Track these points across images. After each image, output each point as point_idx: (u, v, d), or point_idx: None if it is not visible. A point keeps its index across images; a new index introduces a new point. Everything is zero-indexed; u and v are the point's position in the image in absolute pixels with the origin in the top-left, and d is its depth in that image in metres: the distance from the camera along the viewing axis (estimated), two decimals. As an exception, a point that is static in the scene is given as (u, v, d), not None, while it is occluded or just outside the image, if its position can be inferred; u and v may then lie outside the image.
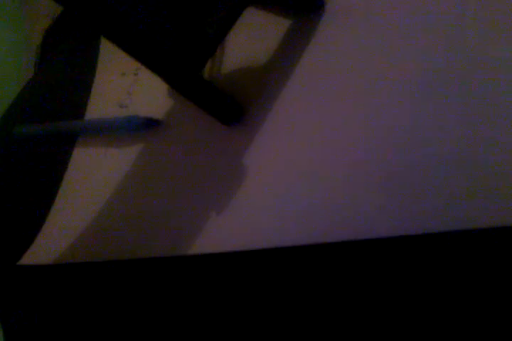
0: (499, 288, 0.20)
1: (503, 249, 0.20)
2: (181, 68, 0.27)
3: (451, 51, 0.25)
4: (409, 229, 0.22)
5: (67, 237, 0.33)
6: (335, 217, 0.24)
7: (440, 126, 0.24)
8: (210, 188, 0.29)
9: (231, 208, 0.28)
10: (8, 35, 0.63)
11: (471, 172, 0.22)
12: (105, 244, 0.31)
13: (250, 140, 0.29)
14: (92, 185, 0.35)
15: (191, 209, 0.29)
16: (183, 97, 0.29)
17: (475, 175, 0.22)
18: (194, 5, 0.26)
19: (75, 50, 0.47)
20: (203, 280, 0.27)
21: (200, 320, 0.26)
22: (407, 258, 0.22)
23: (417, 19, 0.27)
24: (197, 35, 0.26)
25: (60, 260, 0.33)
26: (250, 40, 0.34)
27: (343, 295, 0.23)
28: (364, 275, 0.23)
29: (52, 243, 0.34)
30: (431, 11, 0.27)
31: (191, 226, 0.28)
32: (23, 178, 0.40)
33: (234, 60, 0.34)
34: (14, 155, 0.43)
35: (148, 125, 0.35)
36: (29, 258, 0.34)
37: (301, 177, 0.26)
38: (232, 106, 0.30)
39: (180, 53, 0.26)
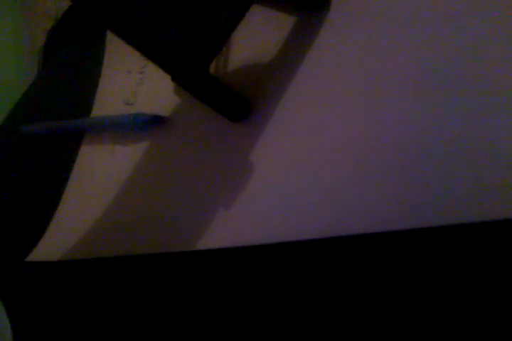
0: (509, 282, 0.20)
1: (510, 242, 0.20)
2: (189, 64, 0.27)
3: (457, 51, 0.25)
4: (415, 223, 0.22)
5: (75, 234, 0.33)
6: (341, 211, 0.24)
7: (441, 123, 0.24)
8: (217, 184, 0.29)
9: (238, 204, 0.28)
10: (10, 36, 0.63)
11: (472, 168, 0.22)
12: (113, 240, 0.31)
13: (257, 136, 0.29)
14: (98, 181, 0.35)
15: (199, 205, 0.29)
16: (190, 94, 0.29)
17: (477, 170, 0.22)
18: (202, 0, 0.26)
19: (81, 48, 0.48)
20: (214, 275, 0.27)
21: (206, 315, 0.26)
22: (412, 251, 0.22)
23: (422, 16, 0.27)
24: (205, 31, 0.26)
25: (67, 256, 0.33)
26: (256, 37, 0.34)
27: (351, 289, 0.23)
28: (371, 269, 0.23)
29: (59, 240, 0.34)
30: (435, 9, 0.27)
31: (199, 222, 0.28)
32: (30, 175, 0.41)
33: (240, 57, 0.34)
34: (21, 152, 0.43)
35: (154, 122, 0.35)
36: (36, 254, 0.34)
37: (308, 172, 0.26)
38: (239, 103, 0.30)
39: (189, 49, 0.26)
